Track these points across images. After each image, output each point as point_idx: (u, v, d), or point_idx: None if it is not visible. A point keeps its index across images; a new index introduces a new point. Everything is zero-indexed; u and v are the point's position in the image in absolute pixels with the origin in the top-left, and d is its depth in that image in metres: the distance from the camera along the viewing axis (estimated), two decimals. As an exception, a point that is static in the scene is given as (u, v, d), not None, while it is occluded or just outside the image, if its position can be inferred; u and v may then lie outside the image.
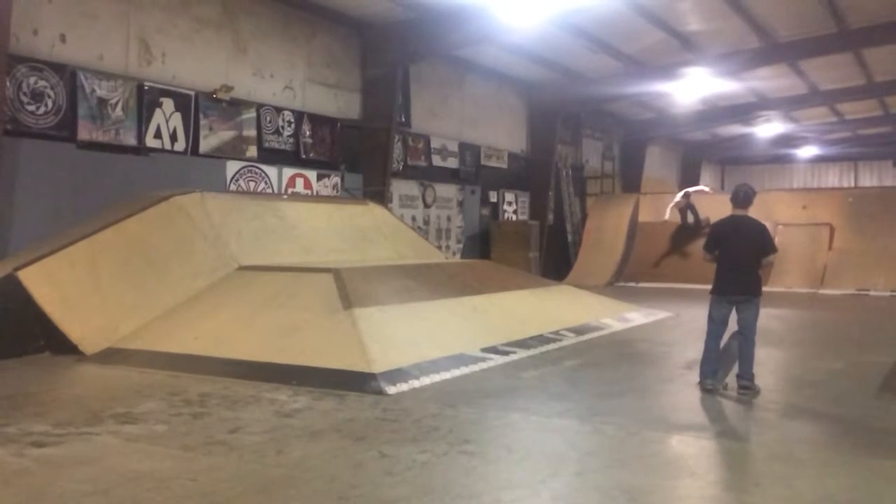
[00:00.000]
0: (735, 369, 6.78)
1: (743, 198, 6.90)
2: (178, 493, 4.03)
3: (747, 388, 6.57)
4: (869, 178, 35.10)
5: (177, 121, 11.48)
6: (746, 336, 6.74)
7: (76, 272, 8.33)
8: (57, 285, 8.11)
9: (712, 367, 6.78)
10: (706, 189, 16.05)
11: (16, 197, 9.46)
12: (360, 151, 14.97)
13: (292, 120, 13.56)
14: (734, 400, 6.46)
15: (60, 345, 7.84)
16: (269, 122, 13.13)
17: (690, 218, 18.10)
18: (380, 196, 14.69)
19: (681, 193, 18.59)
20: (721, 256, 6.86)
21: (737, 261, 6.75)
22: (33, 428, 5.21)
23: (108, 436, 5.10)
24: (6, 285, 7.81)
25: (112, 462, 4.55)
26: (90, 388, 6.70)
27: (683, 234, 17.90)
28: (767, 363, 7.77)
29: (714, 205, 15.29)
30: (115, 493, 4.03)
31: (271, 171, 13.07)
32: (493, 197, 19.70)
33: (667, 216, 18.76)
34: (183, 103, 11.59)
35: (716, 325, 6.86)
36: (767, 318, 7.09)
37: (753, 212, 7.11)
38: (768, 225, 7.61)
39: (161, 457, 4.65)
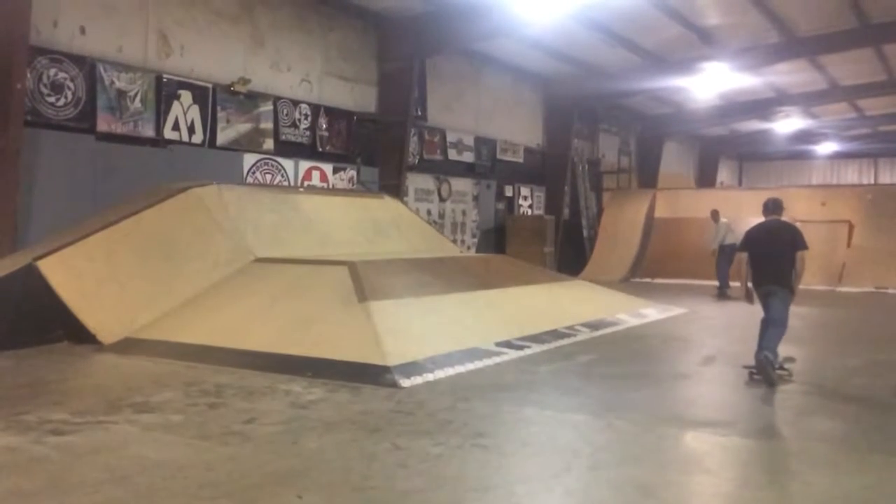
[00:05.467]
0: (775, 364, 6.88)
1: (772, 205, 7.43)
2: (194, 482, 4.07)
3: (762, 363, 6.65)
4: (889, 175, 34.74)
5: (194, 113, 11.55)
6: (772, 323, 6.97)
7: (95, 263, 8.40)
8: (75, 275, 8.17)
9: (762, 342, 7.05)
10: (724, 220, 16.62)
11: (35, 188, 9.54)
12: (376, 145, 15.00)
13: (309, 113, 13.59)
14: (750, 397, 6.44)
15: (79, 334, 7.91)
16: (286, 115, 13.17)
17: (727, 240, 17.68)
18: (395, 189, 14.70)
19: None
20: (753, 254, 7.27)
21: (765, 255, 7.16)
22: (52, 416, 5.27)
23: (125, 424, 5.15)
24: (26, 275, 7.89)
25: (129, 451, 4.60)
26: (108, 377, 6.78)
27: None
28: (784, 360, 7.74)
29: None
30: (132, 481, 4.07)
31: (288, 163, 13.12)
32: (508, 191, 19.68)
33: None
34: (201, 96, 11.65)
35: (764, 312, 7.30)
36: (786, 315, 7.08)
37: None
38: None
39: (178, 446, 4.70)
